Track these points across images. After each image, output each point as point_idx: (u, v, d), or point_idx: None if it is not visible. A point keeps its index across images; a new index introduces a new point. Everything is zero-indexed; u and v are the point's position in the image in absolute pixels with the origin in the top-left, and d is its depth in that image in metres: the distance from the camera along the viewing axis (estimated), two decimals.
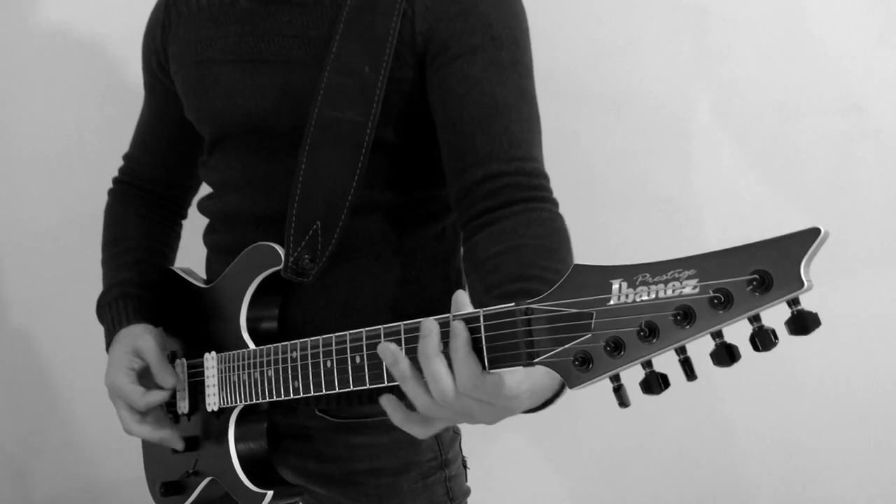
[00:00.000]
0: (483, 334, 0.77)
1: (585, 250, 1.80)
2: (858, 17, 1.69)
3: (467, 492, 1.25)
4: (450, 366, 0.79)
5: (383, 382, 0.90)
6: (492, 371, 0.79)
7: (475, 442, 1.39)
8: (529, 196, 1.05)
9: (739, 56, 1.74)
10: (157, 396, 1.21)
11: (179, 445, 1.23)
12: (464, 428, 1.26)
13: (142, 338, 1.22)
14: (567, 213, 1.81)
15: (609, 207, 1.83)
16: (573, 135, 1.80)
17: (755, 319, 0.61)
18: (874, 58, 1.70)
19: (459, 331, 0.78)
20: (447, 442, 1.21)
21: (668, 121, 1.78)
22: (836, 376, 1.80)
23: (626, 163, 1.82)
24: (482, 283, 1.02)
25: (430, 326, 0.80)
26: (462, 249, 1.11)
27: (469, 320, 0.79)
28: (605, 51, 1.78)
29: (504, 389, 0.80)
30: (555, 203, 1.09)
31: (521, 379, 0.81)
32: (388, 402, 0.88)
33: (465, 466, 1.26)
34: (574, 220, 1.82)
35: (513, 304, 0.75)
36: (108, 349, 1.26)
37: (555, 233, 1.03)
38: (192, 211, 1.40)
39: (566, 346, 0.69)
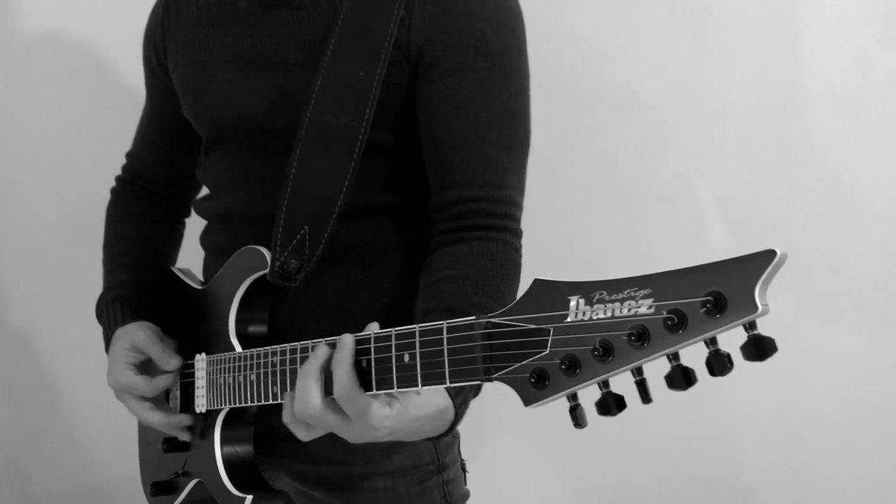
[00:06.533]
0: (445, 347, 0.77)
1: (586, 250, 1.82)
2: (858, 17, 1.68)
3: (466, 495, 1.25)
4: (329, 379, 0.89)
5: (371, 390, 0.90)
6: (369, 393, 0.87)
7: (475, 445, 1.39)
8: (492, 224, 1.07)
9: (739, 56, 1.73)
10: (164, 381, 1.21)
11: (187, 436, 1.23)
12: (463, 431, 1.25)
13: (136, 333, 1.22)
14: (567, 212, 1.82)
15: (609, 207, 1.83)
16: (574, 135, 1.79)
17: (712, 342, 0.60)
18: (874, 58, 1.69)
19: (346, 344, 0.88)
20: (445, 446, 1.21)
21: (668, 121, 1.77)
22: (837, 374, 1.79)
23: (626, 163, 1.81)
24: (421, 303, 1.05)
25: (320, 351, 0.91)
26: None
27: (431, 332, 0.79)
28: (605, 51, 1.77)
29: (368, 416, 0.88)
30: (515, 233, 1.10)
31: (386, 416, 0.89)
32: (285, 397, 0.98)
33: (464, 470, 1.25)
34: (574, 220, 1.83)
35: (473, 317, 0.75)
36: (106, 350, 1.27)
37: (501, 268, 1.06)
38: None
39: (524, 363, 0.68)
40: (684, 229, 1.81)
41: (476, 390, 1.04)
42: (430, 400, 0.93)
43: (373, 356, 0.87)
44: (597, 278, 0.65)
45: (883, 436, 1.79)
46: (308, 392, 0.90)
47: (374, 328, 0.91)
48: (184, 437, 1.24)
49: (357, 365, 0.88)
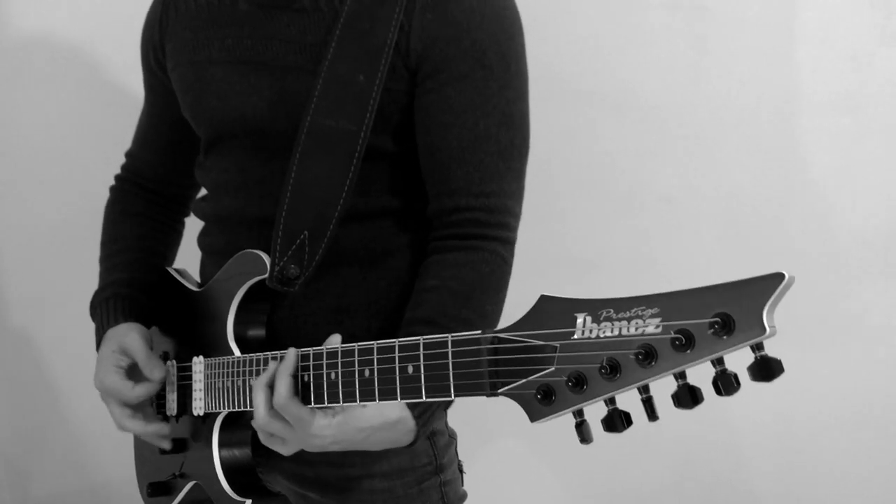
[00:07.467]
0: (450, 360, 0.77)
1: (585, 250, 1.82)
2: (858, 17, 1.68)
3: (463, 496, 1.25)
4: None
5: (355, 400, 0.90)
6: (309, 406, 0.95)
7: (473, 446, 1.39)
8: (484, 234, 1.09)
9: (739, 56, 1.73)
10: (147, 389, 1.21)
11: (167, 444, 1.23)
12: (460, 432, 1.25)
13: (127, 336, 1.22)
14: (567, 212, 1.82)
15: (609, 207, 1.83)
16: (573, 135, 1.79)
17: (718, 362, 0.60)
18: (874, 58, 1.69)
19: (290, 357, 0.97)
20: (442, 447, 1.20)
21: (668, 121, 1.77)
22: (837, 374, 1.79)
23: (626, 163, 1.81)
24: (408, 311, 1.08)
25: (273, 366, 0.99)
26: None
27: (436, 344, 0.79)
28: (605, 51, 1.77)
29: (308, 425, 0.95)
30: (506, 242, 1.11)
31: (326, 425, 0.96)
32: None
33: (461, 471, 1.25)
34: (574, 220, 1.83)
35: (479, 331, 0.75)
36: (97, 349, 1.26)
37: (483, 279, 1.08)
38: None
39: (529, 379, 0.68)
40: (684, 229, 1.80)
41: (447, 402, 1.06)
42: (377, 413, 0.97)
43: (326, 370, 0.94)
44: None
45: (883, 436, 1.79)
46: (256, 402, 0.98)
47: (335, 340, 0.98)
48: (164, 445, 1.24)
49: (323, 377, 0.95)
